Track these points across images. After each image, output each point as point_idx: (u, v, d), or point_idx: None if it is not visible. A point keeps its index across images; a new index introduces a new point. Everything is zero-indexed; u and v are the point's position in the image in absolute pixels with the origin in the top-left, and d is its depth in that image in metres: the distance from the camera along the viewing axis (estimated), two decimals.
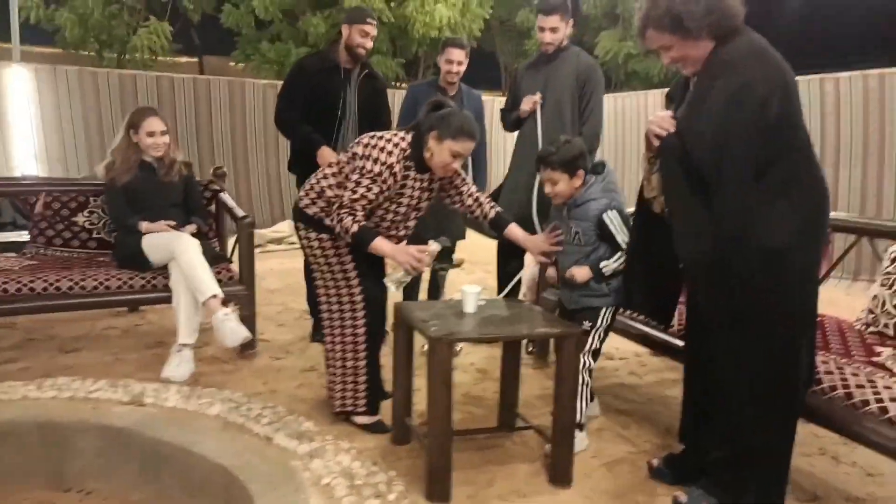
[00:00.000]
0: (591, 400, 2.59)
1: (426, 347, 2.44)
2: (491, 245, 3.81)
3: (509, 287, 3.66)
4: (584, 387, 2.41)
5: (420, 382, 2.55)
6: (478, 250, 5.93)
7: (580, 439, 2.45)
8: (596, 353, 2.49)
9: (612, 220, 2.41)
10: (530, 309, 2.51)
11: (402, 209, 2.50)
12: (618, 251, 2.42)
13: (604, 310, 2.48)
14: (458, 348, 3.56)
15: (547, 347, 3.40)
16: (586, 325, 2.45)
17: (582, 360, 2.38)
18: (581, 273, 2.44)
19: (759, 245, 1.81)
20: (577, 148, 2.46)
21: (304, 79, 3.31)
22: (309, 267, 2.56)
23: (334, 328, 2.54)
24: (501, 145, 8.28)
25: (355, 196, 2.34)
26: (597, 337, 2.47)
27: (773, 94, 1.76)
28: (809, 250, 1.86)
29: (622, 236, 2.39)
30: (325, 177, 2.52)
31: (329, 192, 2.48)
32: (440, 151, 2.37)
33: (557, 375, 2.21)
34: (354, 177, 2.35)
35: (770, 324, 1.86)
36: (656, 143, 1.94)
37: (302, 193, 2.56)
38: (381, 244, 2.36)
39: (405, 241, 2.53)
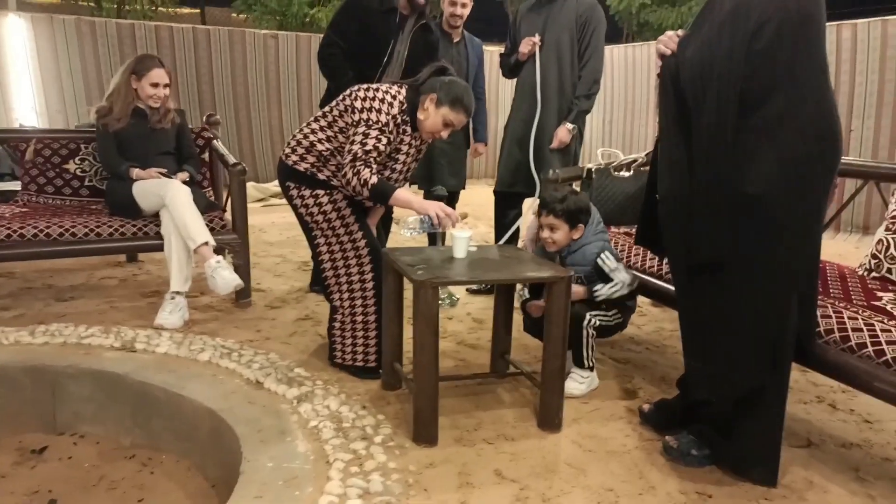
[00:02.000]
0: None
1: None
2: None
3: (507, 236, 3.63)
4: (589, 337, 2.43)
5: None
6: (482, 204, 5.91)
7: (581, 383, 2.46)
8: (605, 327, 2.49)
9: (606, 261, 2.43)
10: (521, 255, 2.47)
11: (399, 166, 2.47)
12: (613, 283, 2.43)
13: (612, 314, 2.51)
14: (455, 297, 3.55)
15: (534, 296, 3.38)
16: (594, 311, 2.44)
17: (587, 317, 2.40)
18: (578, 291, 2.43)
19: (734, 189, 1.75)
20: (584, 202, 2.47)
21: (358, 13, 3.14)
22: (306, 227, 2.51)
23: (341, 284, 2.52)
24: (504, 97, 8.15)
25: (367, 147, 2.29)
26: (602, 319, 2.46)
27: (768, 21, 1.67)
28: (795, 200, 1.76)
29: (618, 274, 2.43)
30: (313, 131, 2.46)
31: (320, 147, 2.43)
32: (434, 116, 2.35)
33: (546, 318, 2.18)
34: (360, 129, 2.30)
35: (751, 275, 1.81)
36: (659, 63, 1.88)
37: (287, 150, 2.50)
38: (404, 195, 2.31)
39: None
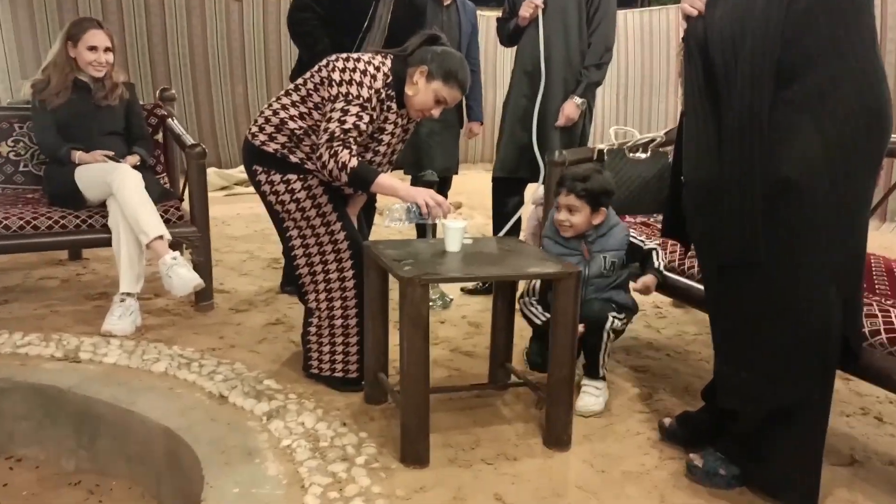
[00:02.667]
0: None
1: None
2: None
3: (507, 227, 3.63)
4: (609, 342, 2.46)
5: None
6: (478, 192, 5.91)
7: (598, 396, 2.47)
8: (628, 317, 2.55)
9: (636, 236, 2.55)
10: (523, 248, 2.47)
11: (383, 148, 2.46)
12: (651, 254, 2.52)
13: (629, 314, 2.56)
14: (448, 298, 3.54)
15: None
16: (614, 305, 2.50)
17: (610, 319, 2.43)
18: (648, 281, 2.49)
19: (769, 173, 1.75)
20: (609, 183, 2.51)
21: None
22: (277, 218, 2.49)
23: (318, 284, 2.51)
24: (502, 69, 8.14)
25: (346, 126, 2.27)
26: (622, 321, 2.50)
27: None
28: (838, 184, 1.76)
29: (650, 242, 2.54)
30: (284, 107, 2.44)
31: (292, 125, 2.42)
32: (425, 91, 2.35)
33: (553, 321, 2.18)
34: (339, 105, 2.29)
35: (789, 270, 1.81)
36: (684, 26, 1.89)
37: (254, 129, 2.48)
38: (389, 180, 2.30)
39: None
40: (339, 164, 2.26)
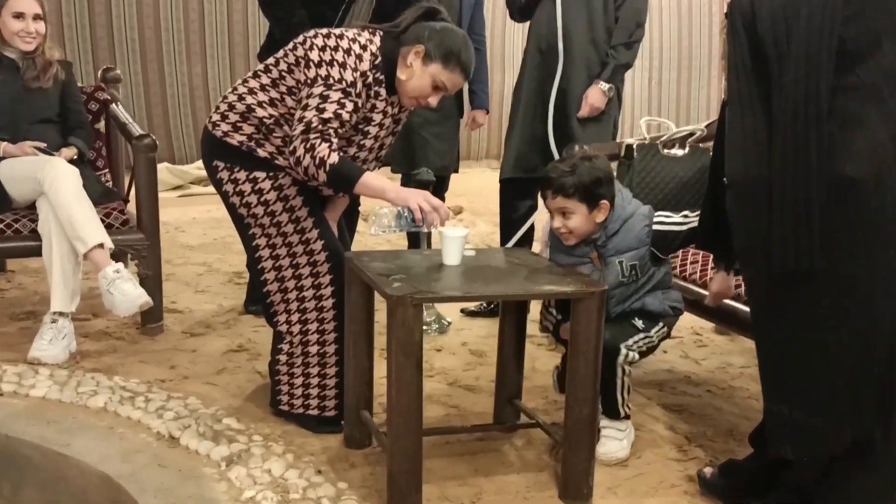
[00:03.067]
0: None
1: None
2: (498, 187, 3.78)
3: (517, 236, 3.65)
4: (625, 376, 2.45)
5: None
6: (482, 194, 5.93)
7: (621, 439, 2.47)
8: (647, 350, 2.52)
9: (665, 220, 2.45)
10: (536, 261, 2.48)
11: (369, 142, 2.48)
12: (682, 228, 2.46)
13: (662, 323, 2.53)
14: (446, 321, 3.55)
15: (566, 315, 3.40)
16: (637, 322, 2.48)
17: (623, 352, 2.41)
18: (721, 282, 2.44)
19: (826, 171, 1.77)
20: (601, 169, 2.44)
21: None
22: (241, 224, 2.51)
23: (289, 303, 2.52)
24: (512, 49, 8.19)
25: (326, 115, 2.29)
26: (646, 342, 2.49)
27: None
28: None
29: (692, 218, 2.42)
30: (251, 91, 2.46)
31: (261, 112, 2.44)
32: (421, 75, 2.37)
33: (571, 349, 2.19)
34: (317, 90, 2.31)
35: (852, 288, 1.83)
36: None
37: (216, 117, 2.50)
38: (376, 180, 2.31)
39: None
40: (317, 160, 2.28)
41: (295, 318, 2.53)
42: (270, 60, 2.47)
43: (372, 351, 2.47)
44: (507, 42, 8.30)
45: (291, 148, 2.32)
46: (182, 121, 7.09)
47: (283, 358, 2.56)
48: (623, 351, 2.41)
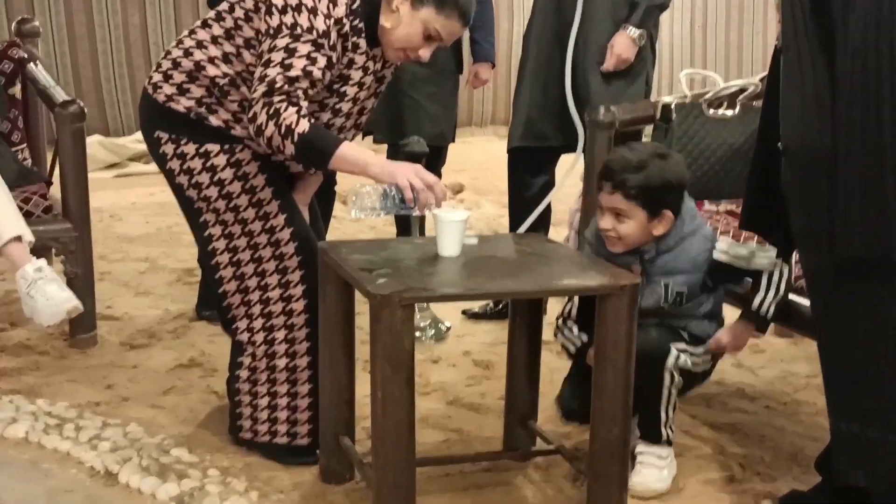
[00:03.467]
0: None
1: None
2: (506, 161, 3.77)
3: (531, 219, 3.64)
4: (673, 387, 2.46)
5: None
6: (487, 168, 5.92)
7: (662, 468, 2.46)
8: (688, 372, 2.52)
9: (732, 248, 2.46)
10: (553, 249, 2.47)
11: (346, 105, 2.47)
12: (762, 277, 2.45)
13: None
14: (444, 325, 3.55)
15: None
16: (683, 334, 2.51)
17: (674, 353, 2.43)
18: (733, 337, 2.49)
19: None
20: (676, 172, 2.46)
21: None
22: (190, 209, 2.50)
23: (251, 306, 2.52)
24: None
25: (293, 73, 2.28)
26: (691, 363, 2.49)
27: None
28: None
29: (762, 257, 2.42)
30: (199, 45, 2.45)
31: (213, 70, 2.43)
32: (411, 22, 2.37)
33: (597, 358, 2.18)
34: (281, 42, 2.30)
35: None
36: None
37: (157, 78, 2.49)
38: (355, 153, 2.31)
39: None
40: (283, 129, 2.26)
41: (258, 324, 2.52)
42: (223, 6, 2.46)
43: (353, 364, 2.46)
44: None
45: (251, 114, 2.30)
46: (117, 83, 7.07)
47: (244, 374, 2.55)
48: (673, 352, 2.41)
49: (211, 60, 2.43)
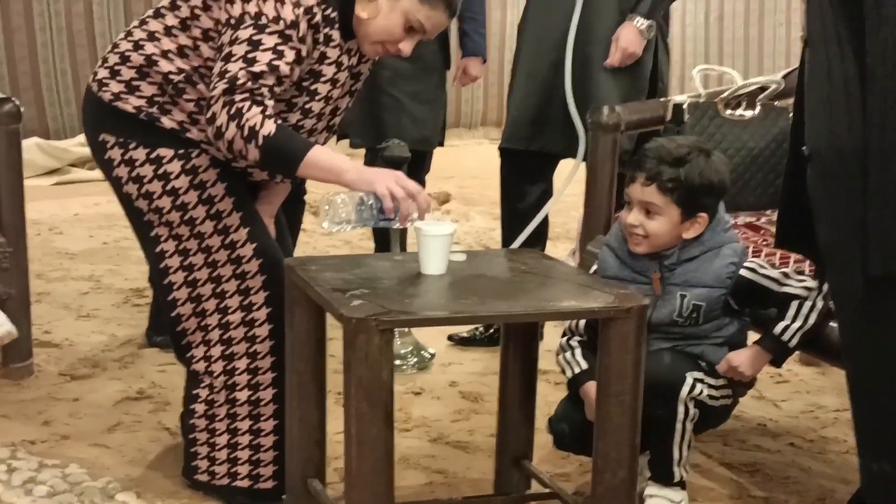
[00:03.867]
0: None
1: None
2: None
3: (526, 233, 3.65)
4: (688, 421, 2.46)
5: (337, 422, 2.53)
6: (478, 175, 5.92)
7: None
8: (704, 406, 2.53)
9: (758, 269, 2.50)
10: (551, 266, 2.48)
11: (317, 105, 2.48)
12: (791, 304, 2.45)
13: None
14: (427, 353, 3.56)
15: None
16: (700, 363, 2.51)
17: (689, 381, 2.43)
18: (747, 360, 2.48)
19: None
20: (718, 173, 2.50)
21: None
22: (140, 222, 2.51)
23: (209, 330, 2.52)
24: None
25: (257, 69, 2.28)
26: (708, 395, 2.49)
27: None
28: None
29: (793, 282, 2.46)
30: (151, 36, 2.45)
31: (166, 66, 2.44)
32: (390, 13, 2.39)
33: (600, 391, 2.18)
34: (244, 33, 2.30)
35: None
36: None
37: (102, 74, 2.49)
38: (328, 158, 2.32)
39: None
40: (246, 131, 2.26)
41: (216, 352, 2.52)
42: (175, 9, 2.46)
43: (324, 397, 2.45)
44: None
45: (210, 114, 2.30)
46: (58, 79, 7.08)
47: (200, 408, 2.55)
48: (689, 381, 2.41)
49: (164, 54, 2.43)
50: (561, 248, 3.97)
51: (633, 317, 2.13)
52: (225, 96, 2.27)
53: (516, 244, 3.65)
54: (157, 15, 2.47)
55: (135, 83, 2.45)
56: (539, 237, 3.74)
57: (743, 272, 2.48)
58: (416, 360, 3.52)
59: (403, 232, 3.56)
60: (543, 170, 3.74)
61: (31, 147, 6.36)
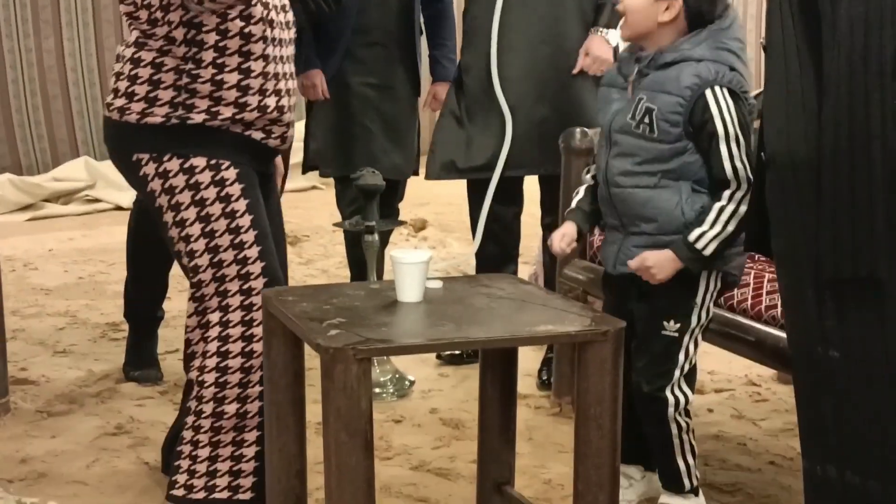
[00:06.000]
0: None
1: None
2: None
3: (479, 233, 3.68)
4: (686, 433, 2.49)
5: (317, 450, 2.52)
6: (453, 202, 5.91)
7: None
8: (691, 378, 2.53)
9: (722, 103, 2.44)
10: (529, 291, 2.48)
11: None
12: (722, 192, 2.44)
13: (703, 285, 2.52)
14: (407, 380, 3.57)
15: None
16: (669, 326, 2.49)
17: (672, 400, 2.43)
18: (659, 259, 2.44)
19: (894, 148, 1.78)
20: None
21: None
22: (166, 237, 2.56)
23: (207, 343, 2.53)
24: None
25: None
26: (691, 344, 2.50)
27: None
28: None
29: (737, 149, 2.42)
30: (141, 46, 2.51)
31: (170, 61, 2.49)
32: None
33: (579, 414, 2.18)
34: None
35: None
36: None
37: (119, 102, 2.52)
38: None
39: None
40: None
41: (212, 363, 2.52)
42: (128, 7, 2.50)
43: (303, 428, 2.44)
44: None
45: None
46: (30, 115, 7.05)
47: (189, 420, 2.55)
48: (671, 399, 2.42)
49: (161, 51, 2.49)
50: (522, 271, 3.97)
51: (609, 340, 2.14)
52: None
53: (476, 242, 3.70)
54: (132, 20, 2.52)
55: (151, 95, 2.50)
56: (510, 253, 3.75)
57: (707, 92, 2.44)
58: (395, 387, 3.51)
59: (380, 260, 3.55)
60: (512, 194, 3.73)
61: (4, 183, 6.34)
